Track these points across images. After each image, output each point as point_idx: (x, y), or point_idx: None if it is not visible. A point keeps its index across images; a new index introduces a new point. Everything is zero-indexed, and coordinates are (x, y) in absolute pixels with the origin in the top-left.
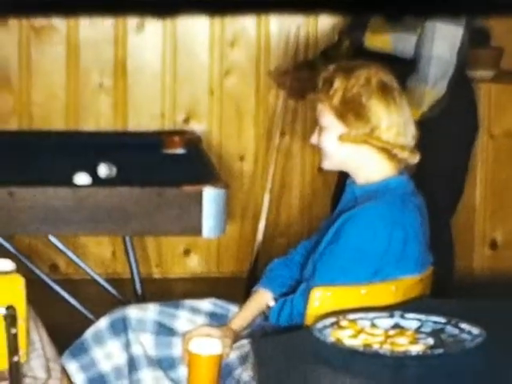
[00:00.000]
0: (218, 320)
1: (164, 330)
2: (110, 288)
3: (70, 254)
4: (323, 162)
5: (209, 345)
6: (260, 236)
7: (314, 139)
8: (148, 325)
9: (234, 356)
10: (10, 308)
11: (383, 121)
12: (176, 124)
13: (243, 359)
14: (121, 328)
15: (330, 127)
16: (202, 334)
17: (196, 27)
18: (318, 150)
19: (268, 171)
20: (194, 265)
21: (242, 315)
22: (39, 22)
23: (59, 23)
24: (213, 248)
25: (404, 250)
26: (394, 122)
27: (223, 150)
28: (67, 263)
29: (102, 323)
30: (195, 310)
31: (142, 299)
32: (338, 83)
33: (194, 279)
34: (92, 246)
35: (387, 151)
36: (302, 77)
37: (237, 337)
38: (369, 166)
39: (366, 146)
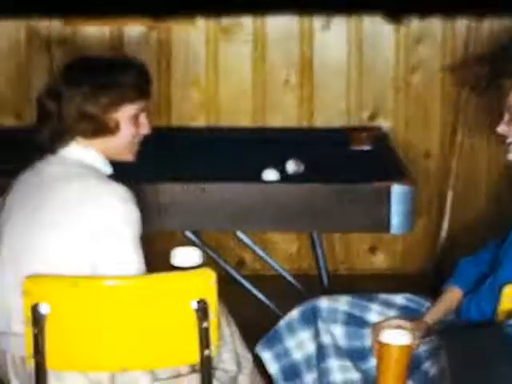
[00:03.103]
0: (410, 314)
1: (355, 321)
2: (296, 284)
3: (257, 249)
4: (510, 153)
5: (399, 335)
6: (444, 233)
7: (502, 128)
8: (339, 315)
9: (423, 349)
10: (201, 302)
11: None
12: (361, 120)
13: (432, 353)
14: (311, 318)
15: None
16: (392, 326)
17: (381, 24)
18: (503, 143)
19: (451, 168)
20: (379, 261)
21: (434, 310)
22: (226, 19)
23: (246, 21)
24: (398, 245)
25: None
26: None
27: (409, 146)
28: (254, 259)
29: (294, 313)
30: (388, 304)
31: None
32: None
33: (380, 276)
34: (278, 241)
35: None
36: (482, 71)
37: (428, 331)
38: None
39: None
